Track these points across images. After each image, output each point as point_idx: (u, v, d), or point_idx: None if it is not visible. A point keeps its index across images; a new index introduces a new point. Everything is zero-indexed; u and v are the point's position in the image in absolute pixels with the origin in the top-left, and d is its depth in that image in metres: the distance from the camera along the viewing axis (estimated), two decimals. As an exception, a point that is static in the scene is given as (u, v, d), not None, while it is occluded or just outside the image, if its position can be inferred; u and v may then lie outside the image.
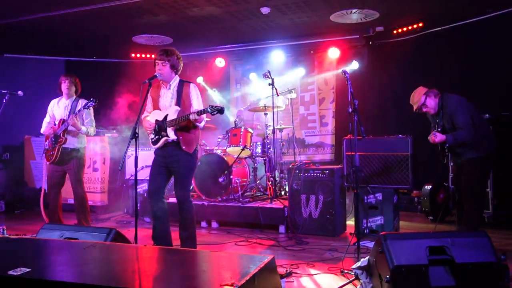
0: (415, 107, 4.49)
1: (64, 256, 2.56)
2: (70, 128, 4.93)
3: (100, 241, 2.90)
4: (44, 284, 2.10)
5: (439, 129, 4.39)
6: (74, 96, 5.14)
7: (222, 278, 2.02)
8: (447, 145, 4.28)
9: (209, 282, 2.07)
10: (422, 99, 4.40)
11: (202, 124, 4.12)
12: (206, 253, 2.77)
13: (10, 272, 2.17)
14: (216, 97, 8.82)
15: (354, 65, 7.63)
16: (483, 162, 4.29)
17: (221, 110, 3.82)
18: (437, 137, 4.29)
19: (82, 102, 4.98)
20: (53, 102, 5.20)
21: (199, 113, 3.89)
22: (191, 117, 3.90)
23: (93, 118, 5.15)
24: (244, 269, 2.15)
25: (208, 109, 3.84)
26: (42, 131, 5.15)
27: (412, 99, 4.51)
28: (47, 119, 5.17)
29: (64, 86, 5.06)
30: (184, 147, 4.10)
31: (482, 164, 4.30)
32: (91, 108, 4.99)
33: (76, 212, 5.12)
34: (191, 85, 4.24)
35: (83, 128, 4.96)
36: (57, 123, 5.03)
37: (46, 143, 5.06)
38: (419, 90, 4.48)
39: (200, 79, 8.69)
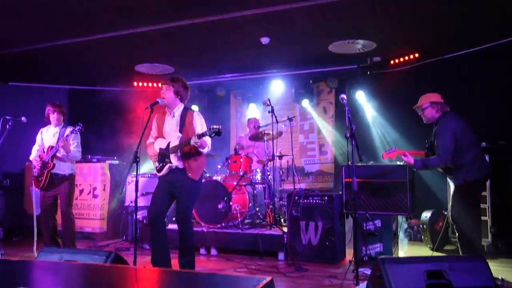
0: (415, 106, 4.63)
1: (63, 277, 2.57)
2: (58, 153, 5.11)
3: (100, 263, 2.92)
4: (44, 303, 2.11)
5: (427, 145, 4.55)
6: (62, 124, 5.37)
7: (220, 298, 2.03)
8: (414, 169, 4.45)
9: (207, 302, 2.08)
10: (425, 105, 4.50)
11: (205, 150, 4.17)
12: (206, 275, 2.78)
13: (10, 292, 2.19)
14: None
15: (353, 95, 7.78)
16: (468, 189, 4.28)
17: (218, 132, 3.86)
18: (407, 157, 4.42)
19: (70, 129, 5.19)
20: (42, 130, 5.43)
21: (199, 136, 3.94)
22: (192, 141, 3.95)
23: (79, 143, 5.35)
24: (242, 289, 2.17)
25: (207, 132, 3.90)
26: (30, 158, 5.32)
27: (421, 99, 4.61)
28: (36, 147, 5.36)
29: (53, 117, 5.32)
30: (190, 174, 4.15)
31: (466, 191, 4.29)
32: (78, 134, 5.22)
33: (62, 236, 5.22)
34: (195, 112, 4.32)
35: (72, 152, 5.14)
36: (45, 150, 5.20)
37: (35, 170, 5.20)
38: (432, 96, 4.53)
39: (195, 108, 8.78)
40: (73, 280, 2.50)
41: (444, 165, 4.23)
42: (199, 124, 4.23)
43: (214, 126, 3.87)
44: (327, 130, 8.37)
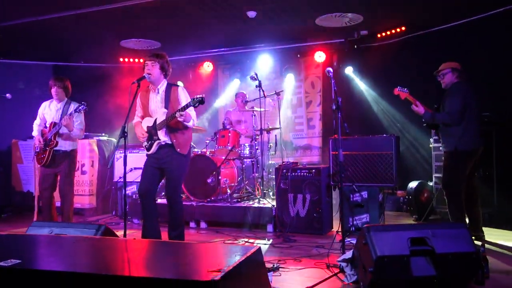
0: (436, 71, 4.79)
1: (54, 249, 2.61)
2: (61, 131, 4.97)
3: (90, 236, 2.96)
4: (35, 274, 2.14)
5: (435, 106, 4.70)
6: (66, 99, 5.17)
7: (209, 265, 2.09)
8: (423, 119, 4.60)
9: (197, 269, 2.14)
10: (446, 70, 4.68)
11: (191, 123, 4.17)
12: (194, 245, 2.84)
13: (1, 264, 2.21)
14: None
15: (342, 69, 7.80)
16: (458, 156, 4.50)
17: (201, 100, 3.88)
18: (418, 107, 4.59)
19: (74, 105, 5.03)
20: (44, 105, 5.22)
21: (183, 108, 3.95)
22: (177, 114, 3.96)
23: (83, 121, 5.18)
24: (231, 257, 2.23)
25: (191, 103, 3.91)
26: (33, 133, 5.15)
27: (442, 65, 4.77)
28: (37, 122, 5.18)
29: (53, 91, 5.10)
30: (178, 149, 4.17)
31: (457, 158, 4.52)
32: (82, 111, 5.03)
33: (61, 212, 5.15)
34: (180, 87, 4.31)
35: (75, 130, 5.00)
36: (48, 125, 5.05)
37: (37, 146, 5.07)
38: (453, 63, 4.73)
39: (180, 83, 8.71)
40: (64, 252, 2.54)
41: (451, 122, 4.42)
42: (184, 98, 4.22)
43: (197, 96, 3.91)
44: (315, 105, 8.40)
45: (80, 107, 4.92)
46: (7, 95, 5.23)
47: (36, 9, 6.15)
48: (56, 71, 8.85)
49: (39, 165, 5.09)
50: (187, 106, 3.95)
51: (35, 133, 5.12)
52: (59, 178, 5.10)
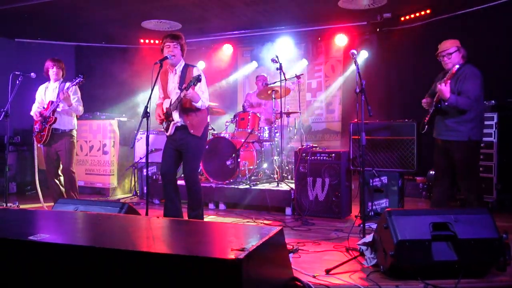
0: (439, 51, 4.30)
1: (80, 225, 2.67)
2: (58, 109, 5.07)
3: (114, 213, 3.01)
4: (63, 248, 2.20)
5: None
6: (61, 79, 5.29)
7: (233, 243, 2.11)
8: (446, 103, 4.01)
9: (220, 247, 2.17)
10: (452, 49, 4.19)
11: (199, 104, 4.15)
12: (218, 224, 2.88)
13: (31, 238, 2.28)
14: (224, 82, 8.91)
15: (363, 53, 7.69)
16: (472, 146, 4.13)
17: (198, 78, 3.88)
18: (446, 86, 3.95)
19: (69, 83, 5.11)
20: (42, 87, 5.33)
21: (186, 88, 3.94)
22: (183, 93, 3.97)
23: (80, 97, 5.28)
24: (253, 237, 2.25)
25: (191, 83, 3.91)
26: (31, 113, 5.27)
27: (444, 43, 4.29)
28: (36, 104, 5.29)
29: (52, 72, 5.22)
30: (192, 130, 4.19)
31: (472, 148, 4.14)
32: (78, 88, 5.17)
33: (65, 188, 5.29)
34: (195, 68, 4.30)
35: (73, 105, 5.09)
36: (46, 105, 5.16)
37: (36, 126, 5.19)
38: (455, 41, 4.27)
39: (200, 63, 8.72)
40: (90, 228, 2.60)
41: (469, 109, 3.99)
42: None
43: (195, 75, 3.94)
44: (335, 88, 8.32)
45: (77, 79, 5.02)
46: (32, 74, 5.31)
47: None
48: (78, 51, 8.95)
49: (39, 144, 5.25)
50: (188, 86, 3.95)
51: (32, 113, 5.23)
52: (62, 160, 5.21)
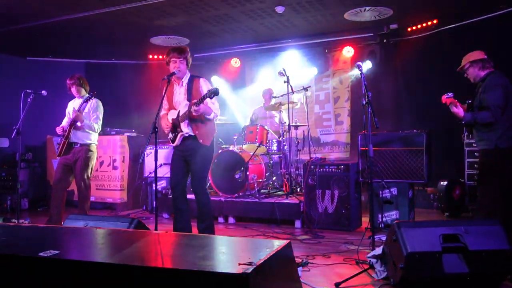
0: (460, 67, 4.36)
1: (90, 241, 2.69)
2: (79, 124, 5.15)
3: (123, 229, 3.03)
4: (73, 264, 2.22)
5: (468, 101, 4.25)
6: (86, 95, 5.36)
7: (240, 258, 2.11)
8: (463, 122, 4.10)
9: (228, 262, 2.17)
10: (466, 65, 4.26)
11: (212, 116, 4.22)
12: (225, 238, 2.88)
13: (41, 254, 2.30)
14: (232, 96, 8.96)
15: (368, 64, 7.70)
16: (498, 154, 4.02)
17: (216, 91, 3.89)
18: (458, 108, 4.03)
19: (82, 101, 5.22)
20: (70, 103, 5.49)
21: (198, 102, 3.99)
22: (192, 108, 4.01)
23: (99, 116, 5.35)
24: (261, 251, 2.24)
25: (206, 95, 3.94)
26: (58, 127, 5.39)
27: (463, 58, 4.34)
28: (65, 119, 5.43)
29: (73, 90, 5.35)
30: (201, 140, 4.23)
31: (496, 157, 4.04)
32: (100, 106, 5.30)
33: (78, 204, 5.33)
34: (201, 79, 4.35)
35: (86, 121, 5.17)
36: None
37: (59, 140, 5.33)
38: (472, 55, 4.28)
39: (214, 78, 8.82)
40: (99, 244, 2.62)
41: (494, 120, 3.97)
42: (206, 89, 4.24)
43: (211, 88, 3.96)
44: (343, 100, 8.33)
45: (86, 97, 5.17)
46: (43, 91, 5.40)
47: (68, 7, 6.30)
48: (88, 68, 9.08)
49: (57, 157, 5.33)
50: (203, 99, 3.99)
51: (58, 127, 5.33)
52: (74, 171, 5.23)
